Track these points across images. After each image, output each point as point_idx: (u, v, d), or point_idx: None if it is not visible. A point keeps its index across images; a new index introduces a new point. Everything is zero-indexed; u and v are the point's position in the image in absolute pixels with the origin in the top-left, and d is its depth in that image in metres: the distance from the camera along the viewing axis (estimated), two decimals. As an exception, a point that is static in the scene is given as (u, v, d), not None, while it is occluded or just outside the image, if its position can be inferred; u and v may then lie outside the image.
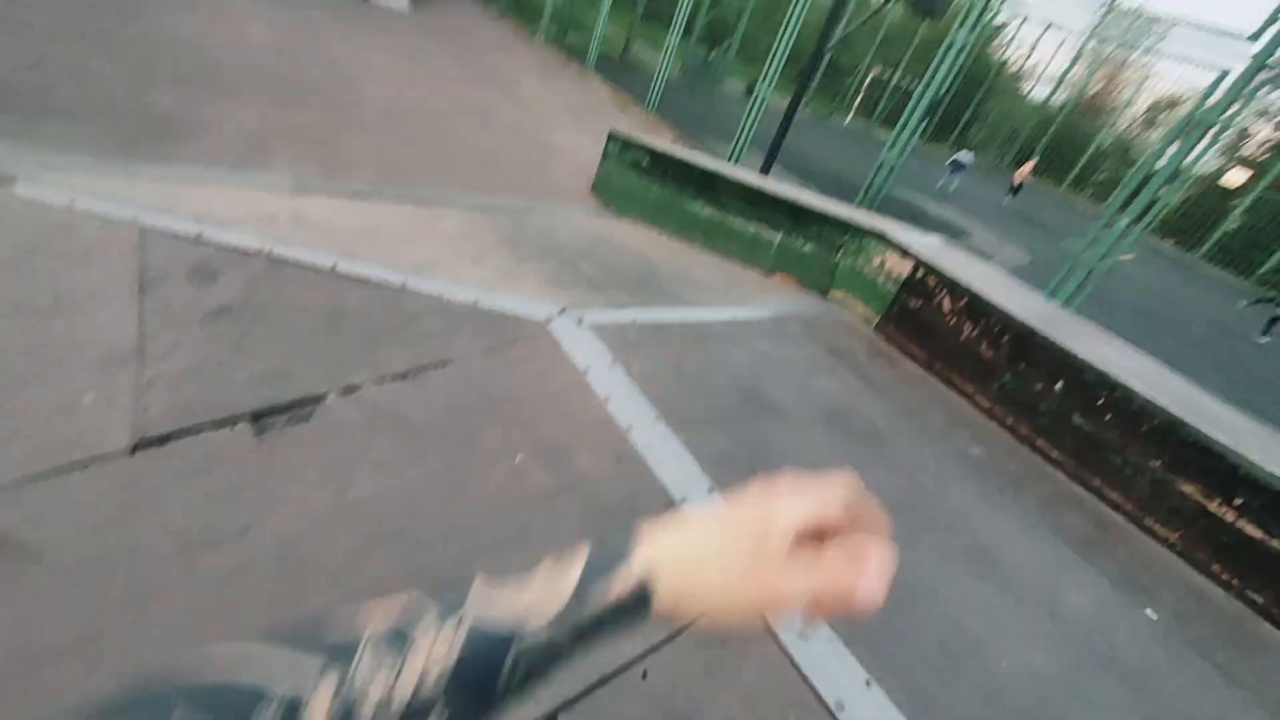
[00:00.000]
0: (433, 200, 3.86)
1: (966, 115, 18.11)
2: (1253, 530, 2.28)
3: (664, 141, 5.33)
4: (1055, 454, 2.77)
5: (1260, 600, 2.27)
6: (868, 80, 16.99)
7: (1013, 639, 1.78)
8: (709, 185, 4.25)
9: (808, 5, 6.94)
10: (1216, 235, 16.25)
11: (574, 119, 7.30)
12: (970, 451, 2.66)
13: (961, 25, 5.73)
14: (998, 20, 17.37)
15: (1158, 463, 2.50)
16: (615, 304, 2.76)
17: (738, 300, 3.27)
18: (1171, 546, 2.45)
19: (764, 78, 7.04)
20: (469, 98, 6.61)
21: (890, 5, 8.81)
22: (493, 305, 2.42)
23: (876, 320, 3.44)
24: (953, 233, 9.09)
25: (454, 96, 6.48)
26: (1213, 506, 2.37)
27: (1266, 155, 17.25)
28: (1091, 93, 18.31)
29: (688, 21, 12.05)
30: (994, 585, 1.96)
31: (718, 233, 4.20)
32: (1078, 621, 1.94)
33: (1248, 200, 15.65)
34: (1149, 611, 2.09)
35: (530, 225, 3.96)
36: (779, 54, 7.05)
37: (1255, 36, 4.33)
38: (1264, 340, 9.28)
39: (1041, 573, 2.09)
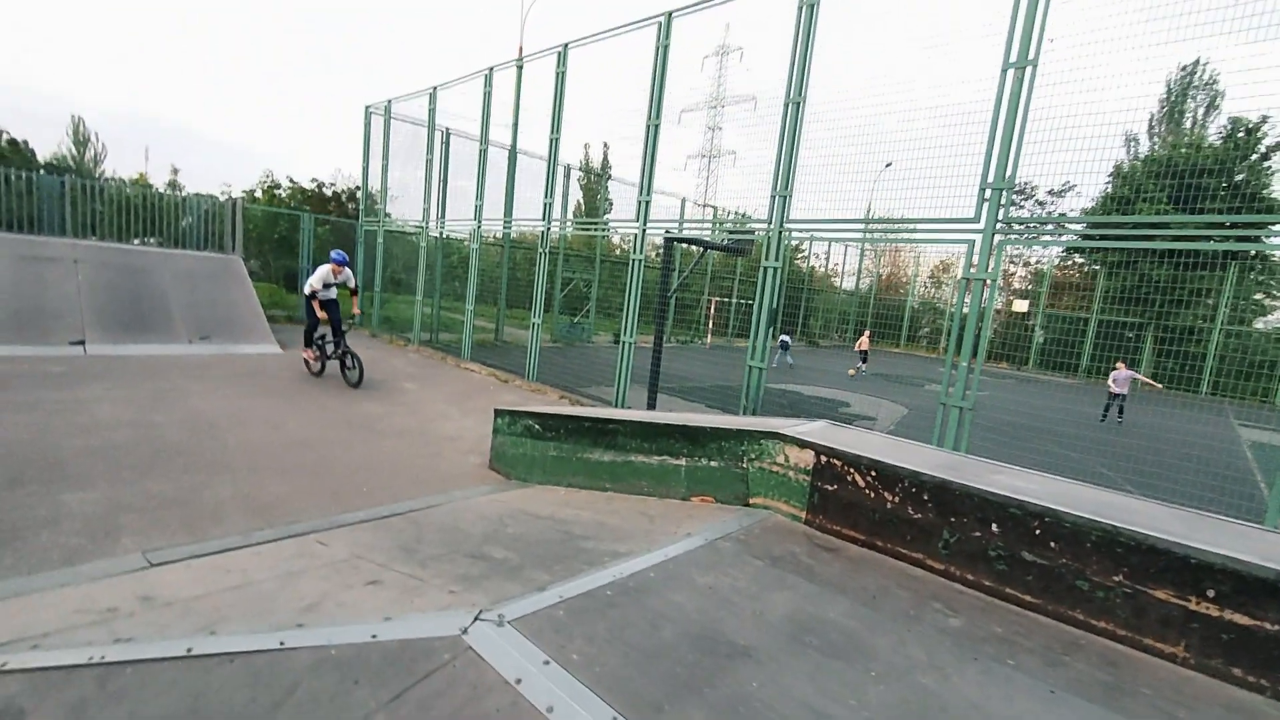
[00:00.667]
0: (317, 529, 3.54)
1: (802, 313, 21.29)
2: (1243, 619, 2.20)
3: (550, 402, 5.54)
4: (1026, 597, 2.65)
5: (1298, 694, 2.10)
6: (712, 308, 19.71)
7: None
8: (603, 431, 4.35)
9: (642, 272, 8.20)
10: (1033, 350, 19.10)
11: (459, 406, 7.50)
12: (950, 624, 2.47)
13: (766, 255, 6.96)
14: (796, 241, 21.71)
15: (1119, 576, 2.45)
16: (537, 586, 2.49)
17: (663, 538, 3.10)
18: (1184, 662, 2.28)
19: (624, 330, 7.90)
20: (348, 416, 6.64)
21: (705, 254, 10.80)
22: (395, 635, 2.07)
23: (803, 515, 3.40)
24: (833, 406, 9.89)
25: (333, 418, 6.47)
26: (1194, 606, 2.30)
27: (1030, 285, 21.48)
28: (885, 274, 22.46)
29: (546, 299, 13.78)
30: (1057, 792, 1.64)
31: (624, 473, 4.18)
32: (1162, 804, 1.63)
33: (1037, 320, 18.94)
34: (1217, 756, 1.83)
35: (430, 522, 3.71)
36: (630, 310, 8.07)
37: (975, 218, 5.64)
38: (1119, 421, 10.39)
39: (1092, 752, 1.80)
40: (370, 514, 3.89)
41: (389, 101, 13.49)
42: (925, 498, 2.96)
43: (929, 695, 2.02)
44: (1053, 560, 2.60)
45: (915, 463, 3.13)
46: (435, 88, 12.19)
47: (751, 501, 3.62)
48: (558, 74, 9.76)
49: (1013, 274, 22.32)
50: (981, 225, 5.62)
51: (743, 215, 8.28)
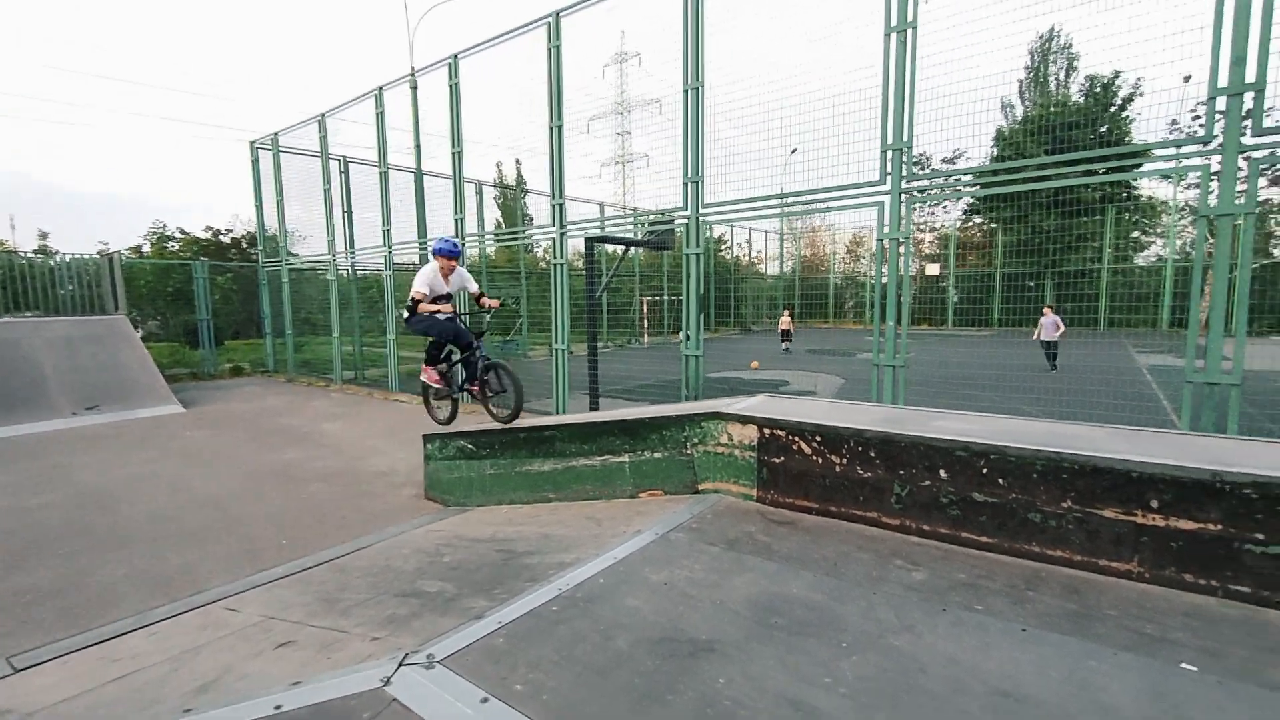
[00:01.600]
0: (226, 594, 3.12)
1: (732, 302, 21.56)
2: (1188, 524, 2.21)
3: (485, 420, 5.23)
4: (983, 538, 2.60)
5: (1245, 589, 2.12)
6: (645, 307, 19.65)
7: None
8: (540, 440, 4.10)
9: (565, 277, 7.98)
10: (950, 309, 20.11)
11: (389, 440, 7.03)
12: (914, 579, 2.38)
13: (687, 244, 6.89)
14: (717, 233, 21.95)
15: (1068, 502, 2.44)
16: (473, 615, 2.23)
17: (612, 540, 2.89)
18: (1140, 577, 2.28)
19: (554, 337, 7.65)
20: (264, 467, 6.07)
21: (629, 253, 10.69)
22: (304, 701, 1.76)
23: (754, 492, 3.27)
24: (774, 386, 9.96)
25: (246, 472, 5.90)
26: (1142, 519, 2.30)
27: (939, 250, 22.63)
28: (807, 255, 23.10)
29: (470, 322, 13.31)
30: (1046, 734, 1.54)
31: (567, 480, 3.95)
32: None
33: (949, 281, 19.98)
34: (1184, 665, 1.79)
35: (358, 566, 3.35)
36: (559, 317, 7.83)
37: (881, 180, 5.74)
38: (1054, 370, 10.95)
39: (1070, 686, 1.73)
40: (289, 568, 3.49)
41: (275, 135, 12.69)
42: (872, 454, 2.88)
43: (905, 658, 1.90)
44: (1003, 497, 2.57)
45: (858, 421, 3.06)
46: (323, 115, 11.55)
47: (701, 488, 3.46)
48: (451, 85, 9.43)
49: (921, 239, 23.51)
50: (888, 187, 5.72)
51: (662, 211, 8.21)
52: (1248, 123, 4.31)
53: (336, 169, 11.77)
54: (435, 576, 2.89)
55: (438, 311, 5.05)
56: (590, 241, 8.85)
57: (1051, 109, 23.94)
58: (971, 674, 1.79)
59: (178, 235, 20.47)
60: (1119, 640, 1.93)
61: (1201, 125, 4.52)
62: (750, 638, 2.02)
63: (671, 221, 7.54)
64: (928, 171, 6.36)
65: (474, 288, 5.34)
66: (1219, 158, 4.42)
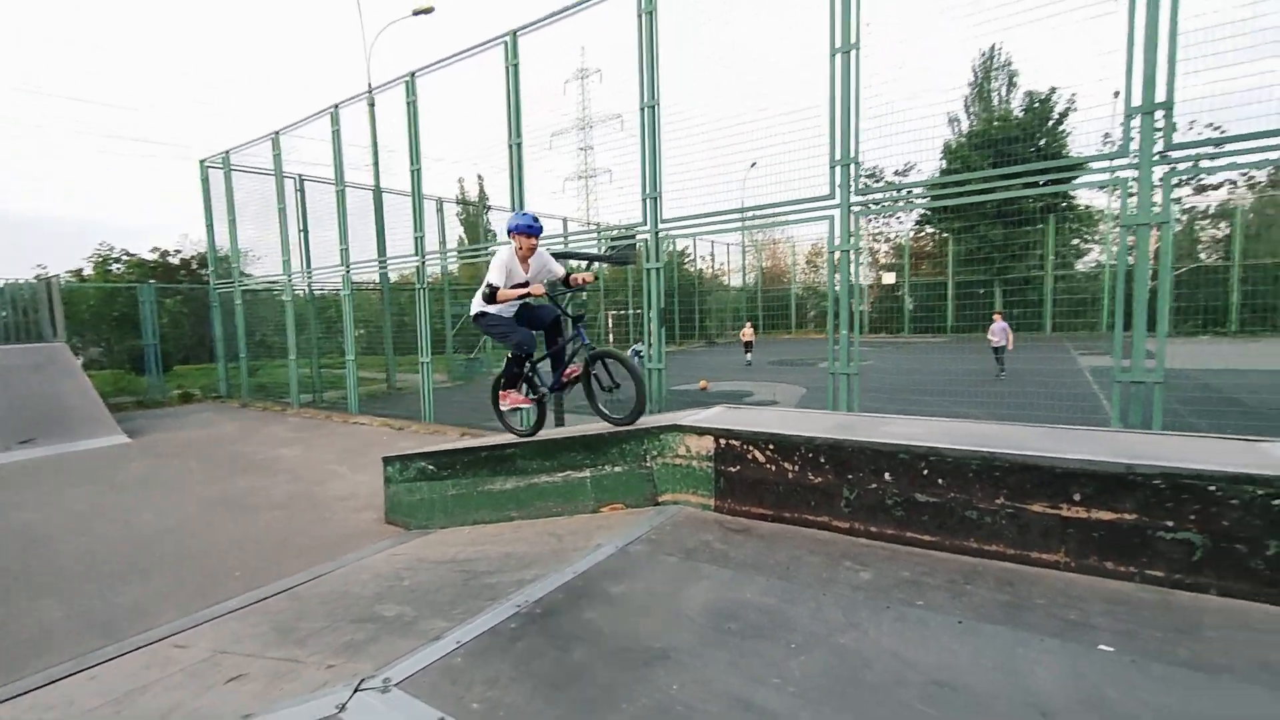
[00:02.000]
0: (175, 631, 3.03)
1: (697, 314, 21.82)
2: (1106, 515, 2.37)
3: (449, 441, 5.20)
4: (926, 536, 2.73)
5: (1159, 573, 2.28)
6: (609, 321, 19.75)
7: (1037, 777, 1.43)
8: (502, 458, 4.10)
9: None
10: (905, 317, 20.76)
11: (349, 464, 6.89)
12: (861, 579, 2.48)
13: (647, 258, 7.01)
14: (680, 247, 22.22)
15: (1000, 499, 2.58)
16: (431, 637, 2.23)
17: (573, 555, 2.93)
18: (1066, 567, 2.43)
19: (518, 351, 7.66)
20: (218, 495, 5.89)
21: (592, 268, 10.79)
22: (257, 733, 1.75)
23: (713, 502, 3.35)
24: (737, 397, 10.12)
25: (198, 501, 5.71)
26: (1067, 512, 2.45)
27: (894, 259, 23.37)
28: (768, 266, 23.58)
29: (438, 338, 13.15)
30: (978, 716, 1.64)
31: (529, 497, 3.96)
32: (1068, 705, 1.67)
33: (905, 289, 20.66)
34: (1103, 647, 1.92)
35: (315, 594, 3.30)
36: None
37: (831, 195, 5.96)
38: (1002, 375, 11.38)
39: (1001, 673, 1.84)
40: (243, 600, 3.40)
41: (226, 153, 12.40)
42: (822, 460, 3.00)
43: (850, 654, 1.99)
44: (943, 496, 2.70)
45: (809, 429, 3.17)
46: (277, 133, 11.36)
47: (661, 500, 3.52)
48: (408, 104, 9.41)
49: (878, 249, 24.28)
50: (838, 200, 5.95)
51: (624, 226, 8.33)
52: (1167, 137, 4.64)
53: (292, 187, 11.57)
54: (394, 600, 2.87)
55: (524, 296, 4.03)
56: (553, 257, 8.88)
57: (994, 123, 25.14)
58: (911, 667, 1.89)
59: (123, 257, 19.69)
60: (1046, 628, 2.06)
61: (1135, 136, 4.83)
62: (704, 643, 2.08)
63: (633, 236, 7.66)
64: (874, 185, 6.62)
65: (560, 271, 4.28)
66: (1136, 171, 4.75)
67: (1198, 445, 2.67)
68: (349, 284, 10.38)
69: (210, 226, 13.30)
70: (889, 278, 21.64)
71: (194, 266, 19.96)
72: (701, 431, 3.38)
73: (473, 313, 4.23)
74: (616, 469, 3.68)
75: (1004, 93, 27.59)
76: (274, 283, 12.18)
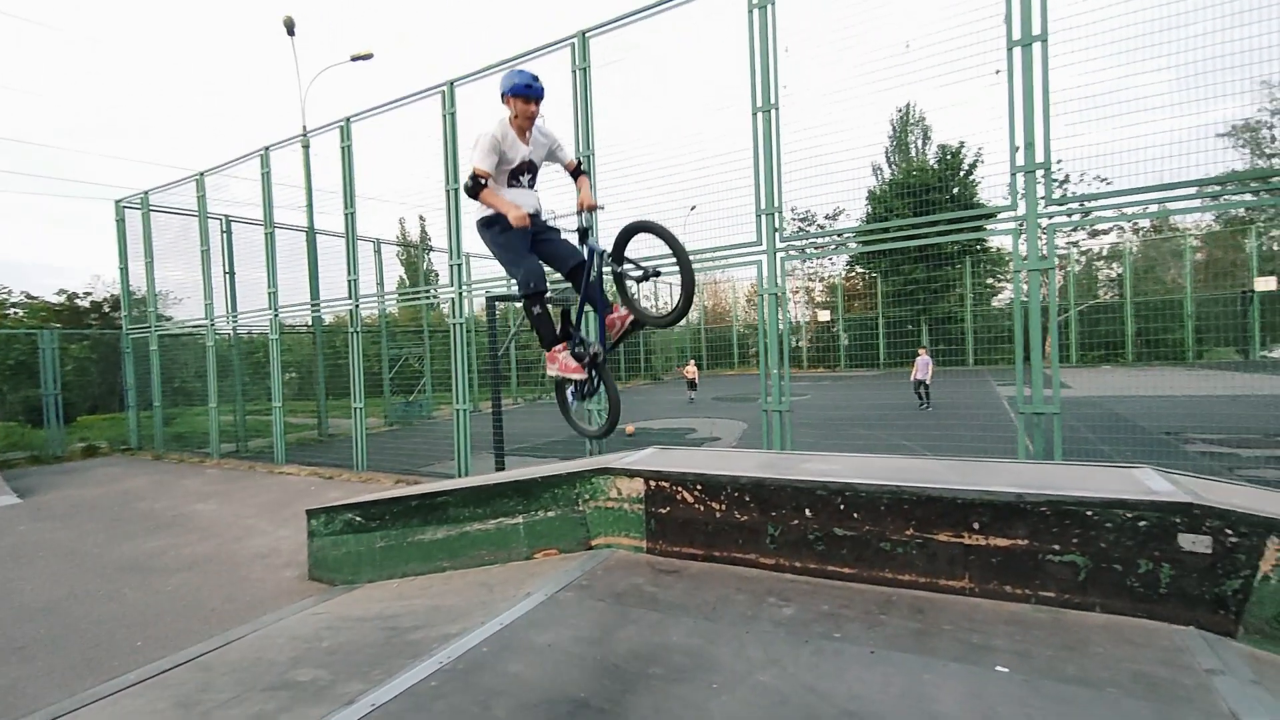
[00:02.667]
0: (57, 714, 2.76)
1: (642, 354, 22.08)
2: (1002, 541, 2.55)
3: (381, 490, 5.03)
4: (845, 569, 2.84)
5: (1051, 594, 2.46)
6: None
7: (933, 801, 1.50)
8: (432, 507, 4.00)
9: (464, 336, 7.95)
10: (841, 352, 21.69)
11: (271, 518, 6.52)
12: (784, 614, 2.55)
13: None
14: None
15: (910, 530, 2.73)
16: (345, 702, 2.14)
17: (502, 605, 2.87)
18: (970, 592, 2.58)
19: (455, 397, 7.53)
20: (115, 560, 5.44)
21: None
22: (142, 822, 1.62)
23: (644, 544, 3.37)
24: (680, 435, 10.24)
25: (92, 568, 5.26)
26: (969, 540, 2.62)
27: (829, 297, 24.54)
28: (710, 306, 24.25)
29: (375, 381, 12.75)
30: (882, 748, 1.71)
31: (461, 547, 3.86)
32: (966, 727, 1.77)
33: (839, 326, 21.67)
34: (999, 668, 2.05)
35: (225, 661, 3.08)
36: (459, 377, 7.74)
37: (759, 241, 6.28)
38: (927, 409, 11.98)
39: (907, 699, 1.93)
40: (141, 673, 3.14)
41: (145, 194, 11.88)
42: (747, 499, 3.09)
43: (769, 692, 2.04)
44: (860, 530, 2.83)
45: (734, 469, 3.27)
46: (202, 174, 11.01)
47: (594, 543, 3.52)
48: (343, 148, 9.36)
49: (814, 289, 25.49)
50: (764, 246, 6.26)
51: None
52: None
53: (218, 229, 11.16)
54: (311, 664, 2.73)
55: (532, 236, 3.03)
56: (492, 300, 8.89)
57: (912, 173, 27.10)
58: (825, 699, 1.95)
59: (24, 300, 18.26)
60: (950, 652, 2.17)
61: (1021, 192, 5.33)
62: (628, 690, 2.08)
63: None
64: (805, 231, 7.02)
65: (569, 155, 3.32)
66: (1024, 223, 5.25)
67: (1081, 473, 2.92)
68: (277, 327, 10.00)
69: (124, 269, 12.62)
70: (824, 315, 22.73)
71: (106, 310, 18.73)
72: (632, 474, 3.42)
73: (478, 225, 3.23)
74: (550, 514, 3.66)
75: (920, 145, 29.94)
76: (196, 327, 11.58)
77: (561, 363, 3.23)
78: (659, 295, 24.55)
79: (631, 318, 3.12)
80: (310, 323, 12.78)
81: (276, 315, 10.01)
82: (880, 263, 22.24)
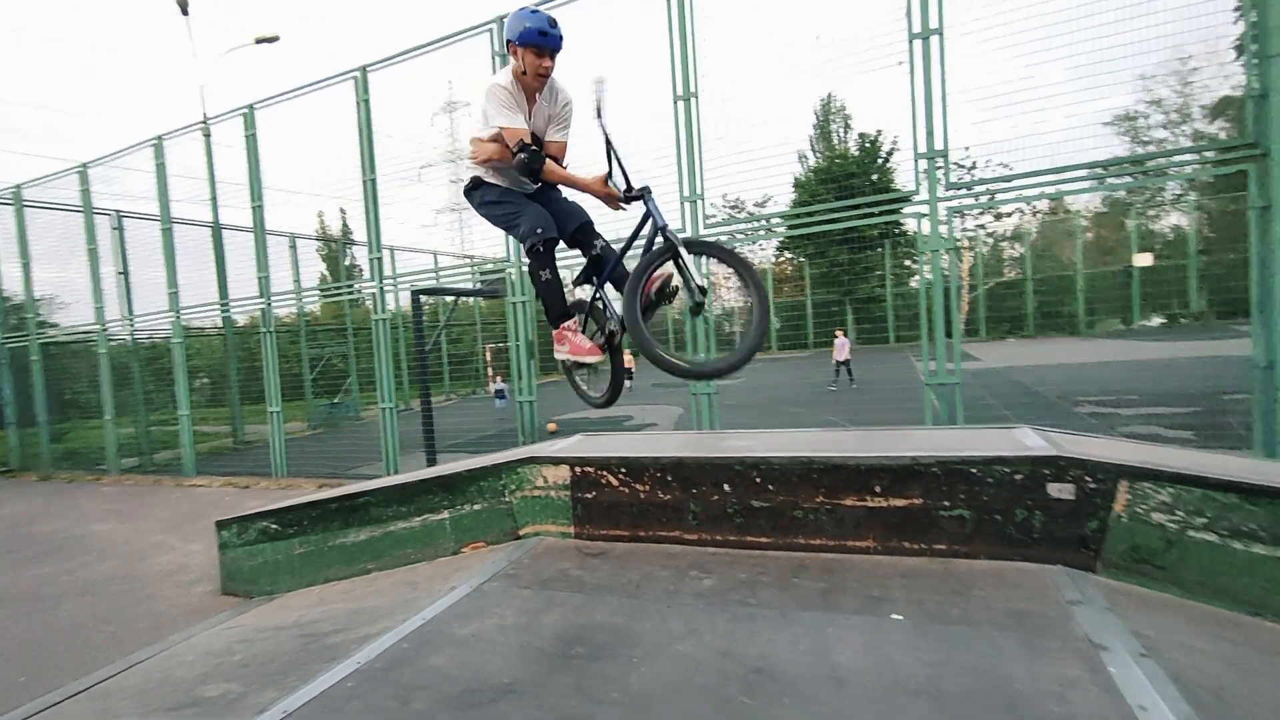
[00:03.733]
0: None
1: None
2: (900, 502, 2.74)
3: (300, 496, 4.82)
4: (763, 539, 2.97)
5: (943, 547, 2.67)
6: (489, 355, 19.31)
7: (827, 741, 1.62)
8: (354, 509, 3.88)
9: (388, 332, 7.68)
10: (773, 335, 22.42)
11: (179, 533, 6.12)
12: (704, 586, 2.65)
13: (513, 292, 7.03)
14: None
15: (820, 498, 2.89)
16: (257, 710, 2.06)
17: (425, 601, 2.83)
18: (874, 551, 2.76)
19: (380, 395, 7.29)
20: (2, 588, 4.98)
21: (458, 303, 10.56)
22: None
23: (572, 530, 3.40)
24: (618, 422, 10.31)
25: (-25, 597, 4.79)
26: (871, 503, 2.80)
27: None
28: (645, 294, 24.51)
29: (296, 383, 12.09)
30: (787, 698, 1.82)
31: (385, 547, 3.77)
32: (863, 673, 1.91)
33: (772, 310, 22.48)
34: (894, 616, 2.22)
35: (126, 686, 2.91)
36: (384, 375, 7.49)
37: (682, 228, 6.37)
38: (853, 384, 12.53)
39: (813, 654, 2.05)
40: (27, 710, 2.90)
41: (18, 188, 10.74)
42: (669, 478, 3.17)
43: (686, 660, 2.12)
44: (775, 500, 2.97)
45: (657, 450, 3.35)
46: (85, 165, 10.07)
47: (522, 533, 3.52)
48: (248, 136, 8.79)
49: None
50: (689, 234, 6.37)
51: (491, 261, 8.29)
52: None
53: (109, 225, 10.25)
54: (222, 678, 2.61)
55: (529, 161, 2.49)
56: (416, 294, 8.63)
57: (835, 161, 28.11)
58: (737, 661, 2.06)
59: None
60: (853, 606, 2.33)
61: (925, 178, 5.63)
62: (551, 671, 2.12)
63: (502, 271, 7.64)
64: (721, 219, 7.19)
65: (566, 137, 2.82)
66: (927, 206, 5.58)
67: (969, 436, 3.17)
68: (180, 330, 9.33)
69: (-7, 272, 11.38)
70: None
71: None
72: (557, 461, 3.44)
73: (464, 184, 2.82)
74: (476, 507, 3.62)
75: (842, 134, 31.07)
76: (87, 333, 10.62)
77: (573, 344, 2.78)
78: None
79: (676, 275, 2.54)
80: (220, 323, 11.98)
81: (179, 317, 9.33)
82: (807, 247, 23.06)
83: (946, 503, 2.67)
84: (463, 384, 17.16)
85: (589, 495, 3.37)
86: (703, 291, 2.48)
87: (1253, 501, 2.23)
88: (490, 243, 8.34)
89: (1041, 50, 5.35)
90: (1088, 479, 2.48)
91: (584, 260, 2.91)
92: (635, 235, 2.70)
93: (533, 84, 2.57)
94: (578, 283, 3.05)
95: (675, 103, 6.37)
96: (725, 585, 2.64)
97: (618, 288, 2.76)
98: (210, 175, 9.71)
